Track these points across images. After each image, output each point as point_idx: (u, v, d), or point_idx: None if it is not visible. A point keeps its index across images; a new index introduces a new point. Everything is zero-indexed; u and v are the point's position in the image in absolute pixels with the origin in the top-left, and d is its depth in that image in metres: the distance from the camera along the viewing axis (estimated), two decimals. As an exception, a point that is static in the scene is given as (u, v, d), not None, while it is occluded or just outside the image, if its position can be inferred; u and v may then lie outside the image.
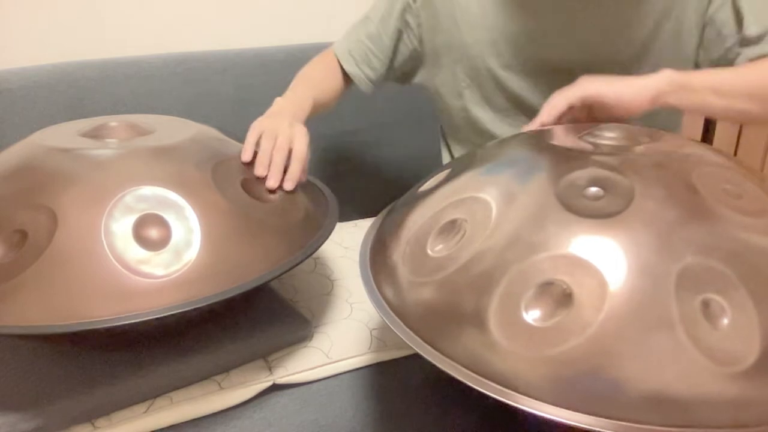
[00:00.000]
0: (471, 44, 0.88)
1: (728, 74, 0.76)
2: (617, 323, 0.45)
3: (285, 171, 0.75)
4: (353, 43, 0.97)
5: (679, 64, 0.78)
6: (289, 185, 0.75)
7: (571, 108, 0.73)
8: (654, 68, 0.75)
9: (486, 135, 0.94)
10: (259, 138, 0.76)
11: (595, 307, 0.46)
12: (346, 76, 0.98)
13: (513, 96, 0.89)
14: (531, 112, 0.89)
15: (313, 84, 0.93)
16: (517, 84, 0.88)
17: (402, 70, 1.00)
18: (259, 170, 0.74)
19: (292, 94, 0.89)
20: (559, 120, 0.73)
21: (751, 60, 0.78)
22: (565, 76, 0.82)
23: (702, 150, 0.63)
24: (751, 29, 0.78)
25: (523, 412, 0.44)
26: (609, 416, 0.43)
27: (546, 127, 0.73)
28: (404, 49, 0.96)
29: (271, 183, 0.73)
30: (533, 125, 0.74)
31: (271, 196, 0.73)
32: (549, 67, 0.85)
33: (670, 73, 0.72)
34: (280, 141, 0.75)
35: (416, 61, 0.97)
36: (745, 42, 0.79)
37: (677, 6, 0.81)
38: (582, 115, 0.74)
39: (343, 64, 0.97)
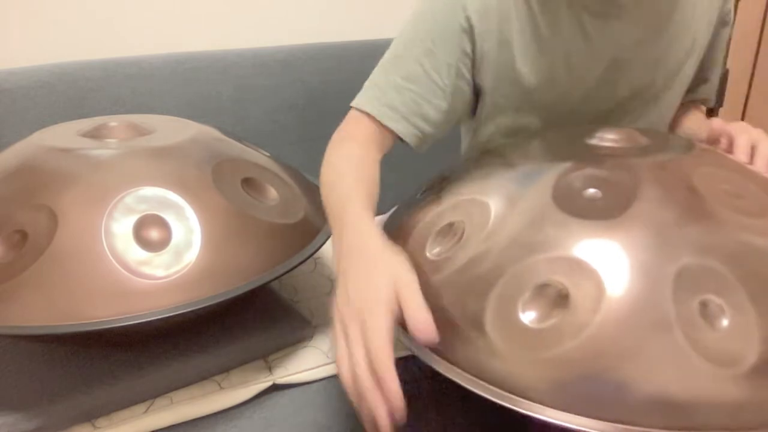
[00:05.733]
0: (521, 70, 0.74)
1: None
2: (615, 324, 0.45)
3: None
4: (390, 92, 0.71)
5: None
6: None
7: None
8: (673, 97, 0.81)
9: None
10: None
11: (592, 308, 0.46)
12: (384, 140, 0.72)
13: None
14: None
15: (364, 183, 0.64)
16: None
17: (465, 107, 0.78)
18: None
19: (359, 209, 0.58)
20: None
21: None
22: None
23: (702, 151, 0.63)
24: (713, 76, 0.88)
25: (522, 414, 0.44)
26: (608, 419, 0.43)
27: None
28: (464, 84, 0.74)
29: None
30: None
31: (270, 196, 0.73)
32: (591, 97, 0.79)
33: None
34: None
35: (475, 94, 0.78)
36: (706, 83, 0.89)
37: (697, 43, 0.83)
38: None
39: (386, 122, 0.71)
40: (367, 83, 0.74)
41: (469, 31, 0.71)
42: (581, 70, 0.76)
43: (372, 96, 0.73)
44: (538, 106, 0.77)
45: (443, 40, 0.71)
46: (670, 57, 0.80)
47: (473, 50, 0.72)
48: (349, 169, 0.66)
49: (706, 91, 0.93)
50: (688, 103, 0.92)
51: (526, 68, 0.73)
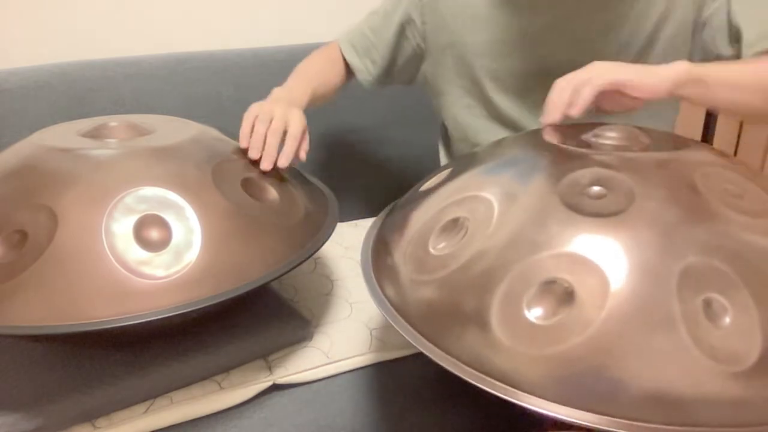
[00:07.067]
0: (471, 43, 0.88)
1: (738, 67, 0.75)
2: (619, 322, 0.45)
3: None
4: (357, 34, 0.98)
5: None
6: (282, 161, 0.75)
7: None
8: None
9: (470, 141, 0.95)
10: (254, 124, 0.76)
11: (596, 305, 0.46)
12: (348, 68, 0.98)
13: (496, 111, 0.90)
14: (511, 128, 0.89)
15: (312, 76, 0.93)
16: (502, 100, 0.89)
17: (405, 68, 0.99)
18: (252, 153, 0.74)
19: (291, 84, 0.89)
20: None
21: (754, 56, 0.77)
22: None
23: (703, 150, 0.63)
24: (749, 33, 0.77)
25: (523, 410, 0.44)
26: (611, 414, 0.43)
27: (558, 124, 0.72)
28: (407, 46, 0.96)
29: (265, 165, 0.74)
30: (553, 115, 0.69)
31: (270, 196, 0.74)
32: (545, 72, 0.84)
33: (687, 65, 0.69)
34: (275, 123, 0.75)
35: (419, 58, 0.97)
36: (747, 44, 0.78)
37: (675, 8, 0.81)
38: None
39: (345, 54, 0.98)
40: (352, 25, 1.01)
41: (418, 3, 0.92)
42: (526, 47, 0.85)
43: (348, 34, 0.99)
44: (478, 63, 0.89)
45: (397, 7, 0.94)
46: (592, 38, 0.81)
47: (423, 21, 0.92)
48: (308, 63, 0.96)
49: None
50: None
51: (471, 40, 0.89)
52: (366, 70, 0.98)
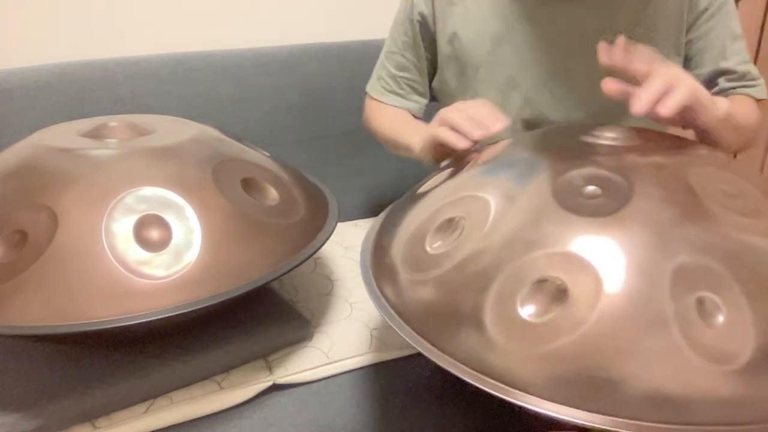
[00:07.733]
0: (470, 55, 0.88)
1: (735, 106, 0.76)
2: (612, 321, 0.45)
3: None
4: (389, 81, 0.97)
5: None
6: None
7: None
8: None
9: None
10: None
11: (589, 304, 0.46)
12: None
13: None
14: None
15: (408, 120, 0.94)
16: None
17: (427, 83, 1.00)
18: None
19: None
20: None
21: (730, 94, 0.82)
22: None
23: (700, 150, 0.63)
24: (729, 63, 0.81)
25: (522, 409, 0.44)
26: (605, 413, 0.43)
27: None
28: (428, 65, 0.96)
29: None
30: (644, 105, 0.61)
31: (270, 196, 0.74)
32: (544, 83, 0.84)
33: (725, 100, 0.70)
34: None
35: (432, 73, 0.98)
36: (725, 73, 0.81)
37: (658, 19, 0.82)
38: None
39: (394, 104, 0.97)
40: (374, 75, 0.99)
41: (423, 21, 0.90)
42: (530, 58, 0.83)
43: (377, 88, 0.98)
44: (492, 90, 0.88)
45: (411, 35, 0.93)
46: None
47: (432, 40, 0.92)
48: (390, 122, 0.95)
49: (733, 81, 0.82)
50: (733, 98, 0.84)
51: (474, 51, 0.87)
52: (418, 108, 0.98)
